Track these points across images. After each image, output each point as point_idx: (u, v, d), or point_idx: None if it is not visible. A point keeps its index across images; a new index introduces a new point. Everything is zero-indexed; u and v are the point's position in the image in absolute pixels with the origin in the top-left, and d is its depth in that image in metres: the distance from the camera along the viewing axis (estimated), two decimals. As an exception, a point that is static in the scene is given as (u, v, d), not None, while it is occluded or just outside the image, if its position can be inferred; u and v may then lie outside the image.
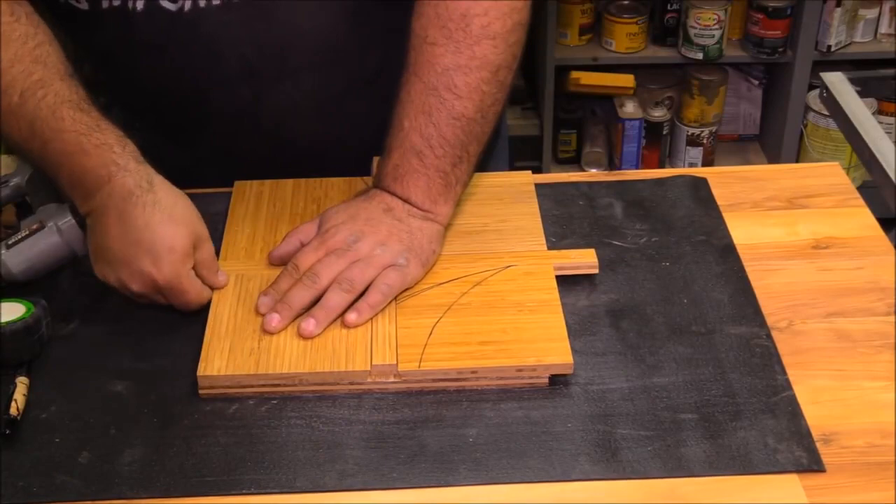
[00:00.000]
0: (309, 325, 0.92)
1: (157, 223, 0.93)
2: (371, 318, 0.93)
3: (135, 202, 0.93)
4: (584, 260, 1.01)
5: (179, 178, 0.99)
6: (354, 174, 1.11)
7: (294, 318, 0.93)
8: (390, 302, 0.95)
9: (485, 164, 1.22)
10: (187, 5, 1.03)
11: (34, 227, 0.99)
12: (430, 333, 0.92)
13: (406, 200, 1.00)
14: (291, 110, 1.13)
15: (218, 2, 1.03)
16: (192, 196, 1.13)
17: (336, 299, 0.93)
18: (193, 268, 0.95)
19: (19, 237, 0.98)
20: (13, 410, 0.86)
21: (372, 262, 0.95)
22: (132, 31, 1.06)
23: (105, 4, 1.03)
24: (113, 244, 0.93)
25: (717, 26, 2.52)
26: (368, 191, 1.03)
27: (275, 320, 0.92)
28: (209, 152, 1.17)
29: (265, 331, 0.92)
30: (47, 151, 0.95)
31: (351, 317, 0.93)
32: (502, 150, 1.30)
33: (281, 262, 0.99)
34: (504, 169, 1.30)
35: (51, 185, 1.04)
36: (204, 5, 1.03)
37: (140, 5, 1.03)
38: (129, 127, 1.00)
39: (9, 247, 0.98)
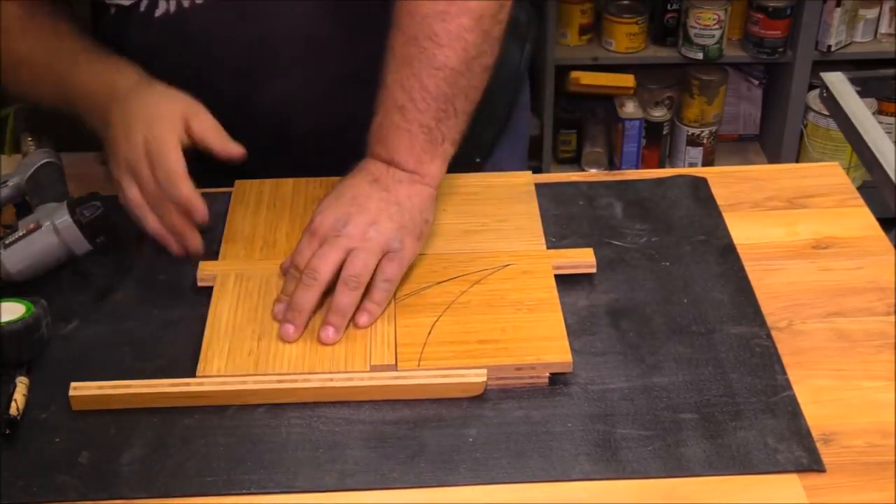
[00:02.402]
0: (328, 333, 0.91)
1: (153, 103, 0.99)
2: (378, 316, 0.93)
3: (137, 93, 1.00)
4: (583, 259, 1.01)
5: None
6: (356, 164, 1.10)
7: (308, 321, 0.92)
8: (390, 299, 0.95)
9: (501, 162, 1.22)
10: (172, 6, 1.04)
11: (31, 226, 0.98)
12: (430, 332, 0.92)
13: (390, 162, 0.96)
14: (285, 105, 1.12)
15: (200, 1, 1.04)
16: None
17: (346, 300, 0.91)
18: (197, 137, 0.98)
19: (16, 237, 0.98)
20: (13, 410, 0.86)
21: (369, 248, 0.92)
22: (128, 34, 1.07)
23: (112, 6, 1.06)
24: (118, 133, 0.99)
25: (717, 26, 2.52)
26: (355, 167, 1.00)
27: (290, 330, 0.91)
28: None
29: (284, 341, 0.91)
30: (55, 77, 1.05)
31: (362, 320, 0.92)
32: (521, 148, 1.30)
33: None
34: (522, 168, 1.29)
35: (51, 184, 1.04)
36: (188, 5, 1.04)
37: (143, 6, 1.04)
38: None
39: (6, 246, 0.98)
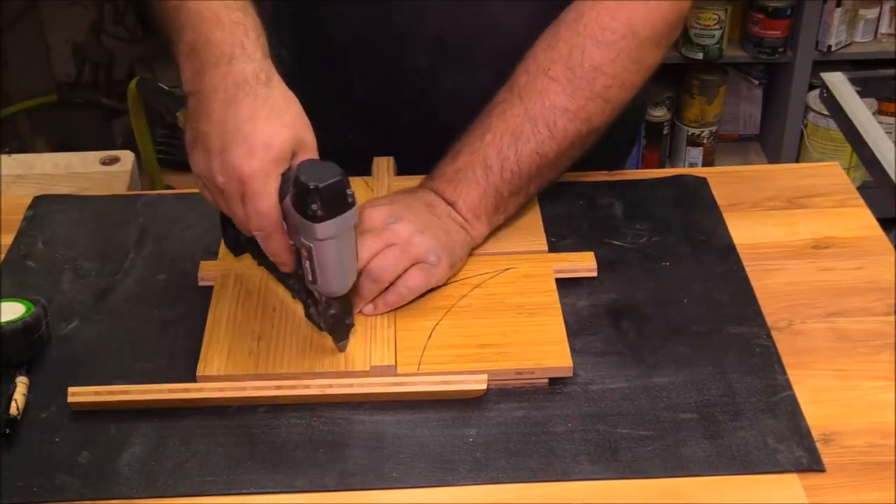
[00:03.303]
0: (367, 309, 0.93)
1: (262, 118, 0.85)
2: (384, 312, 0.94)
3: (247, 92, 0.86)
4: (583, 263, 1.01)
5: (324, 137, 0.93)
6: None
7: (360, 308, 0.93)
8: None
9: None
10: None
11: None
12: (430, 336, 0.92)
13: (451, 204, 0.99)
14: (464, 101, 1.10)
15: None
16: (192, 196, 1.14)
17: (364, 290, 0.93)
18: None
19: None
20: (13, 410, 0.86)
21: (407, 251, 0.93)
22: None
23: None
24: (212, 129, 0.85)
25: (717, 26, 2.52)
26: (411, 188, 1.02)
27: (369, 309, 0.94)
28: (367, 124, 1.18)
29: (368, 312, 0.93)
30: (182, 9, 0.90)
31: (367, 309, 0.93)
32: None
33: None
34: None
35: None
36: None
37: None
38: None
39: None
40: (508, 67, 1.09)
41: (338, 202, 0.81)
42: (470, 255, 1.01)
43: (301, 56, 1.20)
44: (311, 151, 0.87)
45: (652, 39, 1.03)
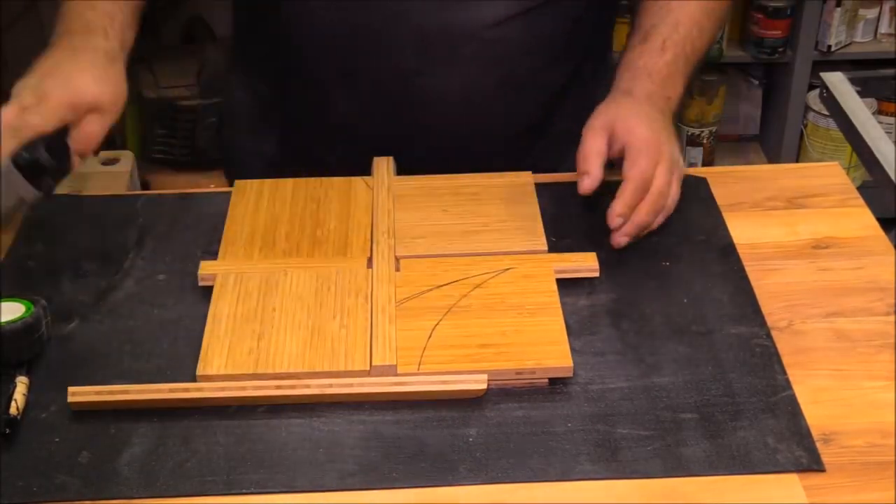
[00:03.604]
0: (621, 240, 1.01)
1: (78, 69, 1.00)
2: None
3: (86, 51, 1.01)
4: (585, 264, 1.01)
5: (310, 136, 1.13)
6: (492, 167, 1.13)
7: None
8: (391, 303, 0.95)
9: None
10: None
11: None
12: (430, 336, 0.92)
13: (667, 99, 1.09)
14: (448, 100, 1.15)
15: None
16: (192, 196, 1.14)
17: (648, 219, 1.02)
18: (80, 131, 0.99)
19: None
20: (13, 410, 0.86)
21: (678, 177, 1.05)
22: None
23: None
24: (39, 63, 1.02)
25: (717, 26, 2.52)
26: (634, 89, 1.08)
27: (624, 242, 1.02)
28: (349, 140, 1.19)
29: (615, 245, 1.02)
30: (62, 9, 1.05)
31: (659, 219, 1.04)
32: None
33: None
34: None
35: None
36: None
37: None
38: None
39: None
40: (492, 65, 1.10)
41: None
42: (471, 256, 1.01)
43: (279, 82, 1.22)
44: (104, 114, 1.00)
45: None
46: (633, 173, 1.01)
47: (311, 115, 1.22)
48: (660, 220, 1.03)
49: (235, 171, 1.24)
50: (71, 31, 1.03)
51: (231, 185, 1.13)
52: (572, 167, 1.05)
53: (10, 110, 0.96)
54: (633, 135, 1.02)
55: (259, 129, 1.27)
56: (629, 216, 1.01)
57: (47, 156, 0.95)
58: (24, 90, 0.98)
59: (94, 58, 1.01)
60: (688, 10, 1.12)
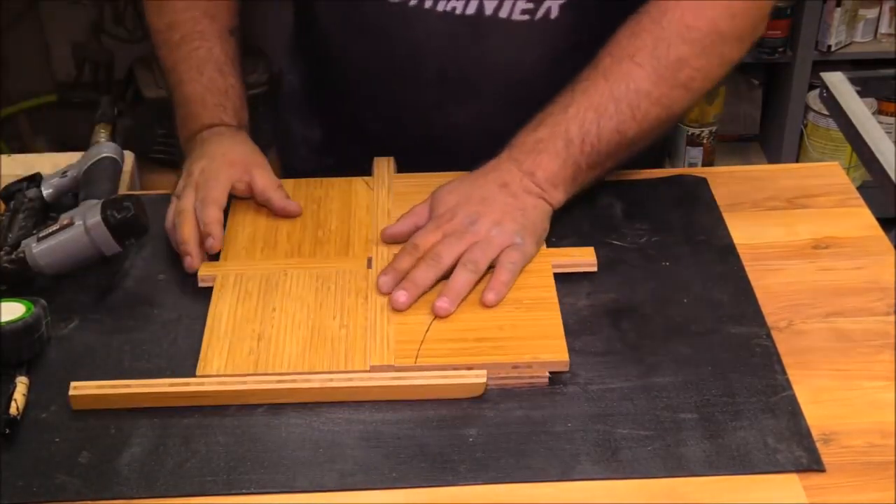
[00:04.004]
0: (443, 303, 0.94)
1: (226, 144, 1.11)
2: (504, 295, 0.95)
3: (220, 135, 1.12)
4: (583, 258, 1.01)
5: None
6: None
7: (419, 297, 0.95)
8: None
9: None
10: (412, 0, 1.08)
11: (65, 222, 0.99)
12: (427, 330, 0.92)
13: (529, 175, 1.01)
14: (469, 132, 1.15)
15: (441, 9, 1.08)
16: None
17: (463, 280, 0.95)
18: (257, 189, 1.07)
19: (51, 230, 0.99)
20: (13, 410, 0.86)
21: (491, 243, 0.97)
22: (359, 11, 1.13)
23: None
24: (191, 161, 1.10)
25: (717, 26, 2.52)
26: (487, 164, 1.04)
27: (403, 297, 0.94)
28: (369, 143, 1.20)
29: (394, 308, 0.94)
30: (178, 90, 1.15)
31: (490, 297, 0.94)
32: None
33: (394, 240, 1.02)
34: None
35: (102, 180, 1.07)
36: (429, 6, 1.08)
37: None
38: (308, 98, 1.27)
39: (39, 239, 0.98)
40: (513, 97, 1.10)
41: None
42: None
43: (314, 84, 1.27)
44: (266, 167, 1.09)
45: (735, 36, 1.04)
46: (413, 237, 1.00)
47: (347, 122, 1.25)
48: (490, 296, 0.95)
49: (285, 152, 1.35)
50: (200, 130, 1.13)
51: (282, 166, 1.19)
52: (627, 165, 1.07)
53: (188, 196, 1.05)
54: (433, 197, 1.03)
55: (306, 115, 1.31)
56: (398, 277, 0.96)
57: (135, 217, 0.98)
58: (189, 184, 1.07)
59: (230, 141, 1.12)
60: (587, 93, 1.02)
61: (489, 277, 0.96)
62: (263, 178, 1.07)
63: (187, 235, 1.01)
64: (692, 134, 2.71)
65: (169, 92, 1.17)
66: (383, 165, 1.14)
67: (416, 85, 1.16)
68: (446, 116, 1.16)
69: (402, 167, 1.15)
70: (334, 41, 1.19)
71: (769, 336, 0.93)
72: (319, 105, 1.29)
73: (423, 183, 1.10)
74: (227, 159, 1.08)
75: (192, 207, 1.03)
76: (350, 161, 1.16)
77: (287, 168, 1.33)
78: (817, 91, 1.85)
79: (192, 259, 1.00)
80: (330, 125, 1.28)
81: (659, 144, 1.26)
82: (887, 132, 1.68)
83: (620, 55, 1.02)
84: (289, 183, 1.12)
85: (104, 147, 1.11)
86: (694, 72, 1.02)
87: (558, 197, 1.02)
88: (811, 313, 0.97)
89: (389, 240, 1.02)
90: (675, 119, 1.06)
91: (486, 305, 0.94)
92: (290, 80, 1.33)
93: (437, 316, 0.93)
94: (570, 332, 0.92)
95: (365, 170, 1.14)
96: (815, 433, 0.84)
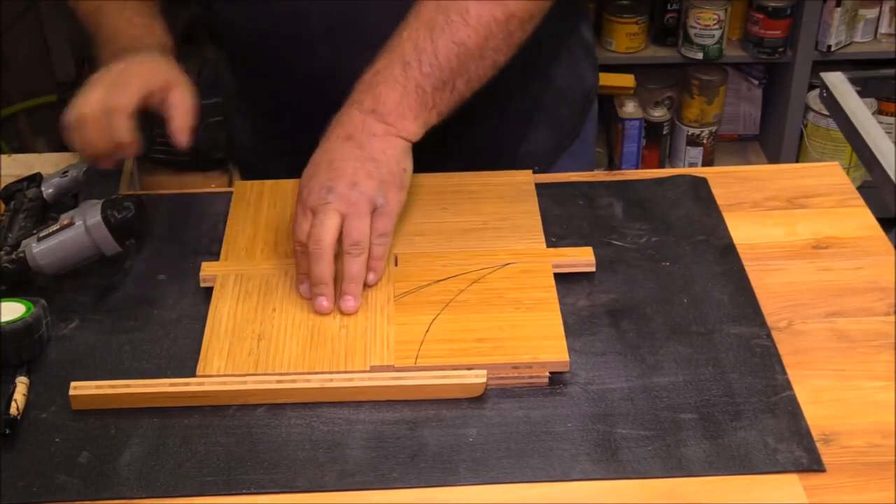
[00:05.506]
0: (348, 303, 0.94)
1: (145, 58, 1.05)
2: (384, 269, 0.96)
3: (148, 50, 1.07)
4: (582, 258, 1.01)
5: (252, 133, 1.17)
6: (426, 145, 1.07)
7: (334, 289, 0.94)
8: (386, 299, 0.95)
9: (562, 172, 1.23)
10: None
11: (66, 222, 0.99)
12: (427, 330, 0.92)
13: (372, 112, 0.97)
14: (329, 75, 1.12)
15: None
16: (192, 196, 1.14)
17: (355, 267, 0.94)
18: (167, 104, 1.03)
19: (51, 230, 0.99)
20: (13, 410, 0.86)
21: (358, 211, 0.94)
22: None
23: None
24: (110, 62, 1.05)
25: (717, 26, 2.52)
26: (337, 114, 1.01)
27: (324, 302, 0.94)
28: (282, 112, 1.19)
29: (320, 314, 0.94)
30: (100, 24, 1.11)
31: (371, 278, 0.95)
32: (586, 162, 1.32)
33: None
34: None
35: (103, 180, 1.07)
36: None
37: None
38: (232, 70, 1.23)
39: (39, 239, 0.98)
40: None
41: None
42: (469, 252, 1.01)
43: (231, 65, 1.26)
44: (185, 88, 1.04)
45: None
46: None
47: (260, 94, 1.24)
48: (371, 277, 0.96)
49: (237, 154, 1.33)
50: (123, 49, 1.07)
51: (240, 171, 1.16)
52: (531, 148, 1.05)
53: (95, 95, 1.00)
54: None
55: (240, 110, 1.30)
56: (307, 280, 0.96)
57: (136, 217, 0.98)
58: (100, 81, 1.02)
59: (151, 54, 1.07)
60: (418, 13, 0.99)
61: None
62: (180, 97, 1.03)
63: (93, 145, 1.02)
64: (692, 134, 2.71)
65: (90, 34, 1.13)
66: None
67: (307, 46, 1.12)
68: (340, 74, 1.09)
69: (316, 135, 1.10)
70: (225, 14, 1.17)
71: (769, 336, 0.93)
72: (243, 94, 1.27)
73: (423, 182, 1.10)
74: (148, 67, 1.04)
75: (98, 109, 1.01)
76: (284, 141, 1.14)
77: (243, 168, 1.34)
78: (817, 91, 1.85)
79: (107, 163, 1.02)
80: (253, 111, 1.27)
81: (562, 119, 1.25)
82: (887, 132, 1.68)
83: None
84: (288, 183, 1.12)
85: None
86: None
87: (409, 127, 0.98)
88: (811, 313, 0.97)
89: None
90: (517, 22, 1.00)
91: (367, 285, 0.95)
92: (226, 79, 1.31)
93: (346, 314, 0.93)
94: (570, 332, 0.92)
95: (293, 147, 1.09)
96: (815, 433, 0.84)
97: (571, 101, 1.25)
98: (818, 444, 0.83)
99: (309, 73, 1.15)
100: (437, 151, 1.03)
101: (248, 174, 1.31)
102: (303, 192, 0.97)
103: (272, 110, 1.24)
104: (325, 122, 1.02)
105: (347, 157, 0.96)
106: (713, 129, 2.72)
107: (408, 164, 0.99)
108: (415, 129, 0.99)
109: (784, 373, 0.90)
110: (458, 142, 1.10)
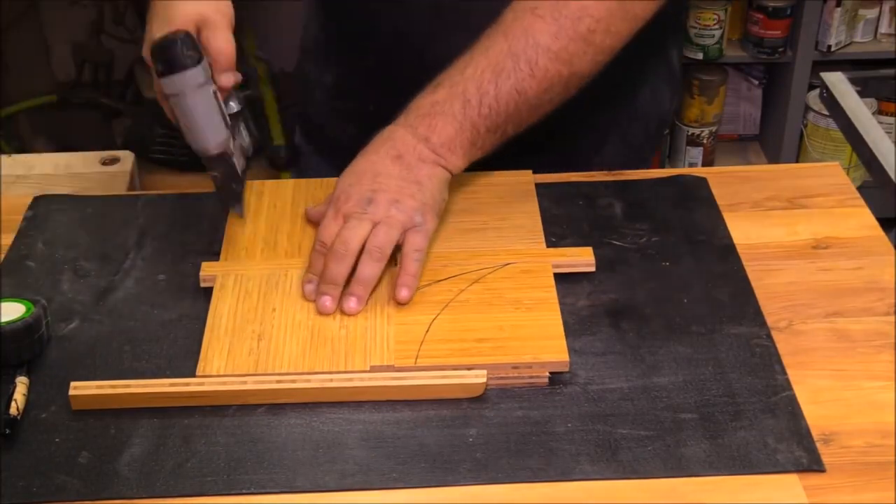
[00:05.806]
0: (351, 304, 0.94)
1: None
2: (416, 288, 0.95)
3: None
4: (582, 258, 1.01)
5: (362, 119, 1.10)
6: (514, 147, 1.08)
7: (340, 293, 0.94)
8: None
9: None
10: None
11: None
12: (427, 330, 0.92)
13: (424, 140, 0.99)
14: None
15: None
16: (192, 196, 1.14)
17: (369, 270, 0.94)
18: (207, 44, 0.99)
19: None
20: (13, 410, 0.86)
21: (392, 224, 0.96)
22: None
23: None
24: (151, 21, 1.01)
25: (717, 26, 2.52)
26: (384, 131, 1.02)
27: (328, 302, 0.94)
28: (367, 69, 1.21)
29: (321, 313, 0.93)
30: None
31: (403, 293, 0.94)
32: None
33: (314, 220, 1.03)
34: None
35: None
36: None
37: None
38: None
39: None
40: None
41: (172, 59, 0.94)
42: (469, 252, 1.01)
43: (323, 29, 1.27)
44: (221, 29, 0.99)
45: None
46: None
47: (352, 62, 1.24)
48: (404, 293, 0.95)
49: (303, 100, 1.35)
50: None
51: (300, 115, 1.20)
52: (600, 160, 1.04)
53: (149, 37, 0.99)
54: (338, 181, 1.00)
55: (321, 62, 1.30)
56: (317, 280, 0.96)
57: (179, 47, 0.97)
58: (154, 18, 1.00)
59: None
60: (487, 52, 1.00)
61: (397, 270, 0.96)
62: (216, 41, 1.00)
63: None
64: (692, 134, 2.71)
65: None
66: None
67: (410, 17, 1.14)
68: (438, 49, 1.10)
69: (399, 101, 1.09)
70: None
71: (769, 336, 0.93)
72: (333, 49, 1.27)
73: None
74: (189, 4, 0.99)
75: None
76: (361, 102, 1.16)
77: (304, 117, 1.35)
78: (817, 91, 1.85)
79: None
80: (339, 67, 1.27)
81: (634, 139, 1.27)
82: (887, 132, 1.68)
83: (522, 9, 1.00)
84: (288, 183, 1.12)
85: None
86: (594, 23, 0.99)
87: (456, 162, 1.00)
88: (811, 313, 0.97)
89: (311, 218, 1.04)
90: (578, 78, 1.02)
91: (399, 302, 0.94)
92: (308, 29, 1.32)
93: (348, 314, 0.93)
94: (570, 332, 0.92)
95: (370, 111, 1.11)
96: (814, 433, 0.84)
97: (646, 123, 1.27)
98: (818, 444, 0.83)
99: (406, 37, 1.16)
100: (507, 155, 1.05)
101: (312, 139, 1.34)
102: (340, 197, 0.98)
103: (357, 62, 1.23)
104: (403, 90, 1.04)
105: (393, 175, 0.98)
106: (713, 129, 2.72)
107: (447, 194, 1.01)
108: (461, 165, 1.01)
109: (784, 373, 0.90)
110: (529, 147, 1.10)
